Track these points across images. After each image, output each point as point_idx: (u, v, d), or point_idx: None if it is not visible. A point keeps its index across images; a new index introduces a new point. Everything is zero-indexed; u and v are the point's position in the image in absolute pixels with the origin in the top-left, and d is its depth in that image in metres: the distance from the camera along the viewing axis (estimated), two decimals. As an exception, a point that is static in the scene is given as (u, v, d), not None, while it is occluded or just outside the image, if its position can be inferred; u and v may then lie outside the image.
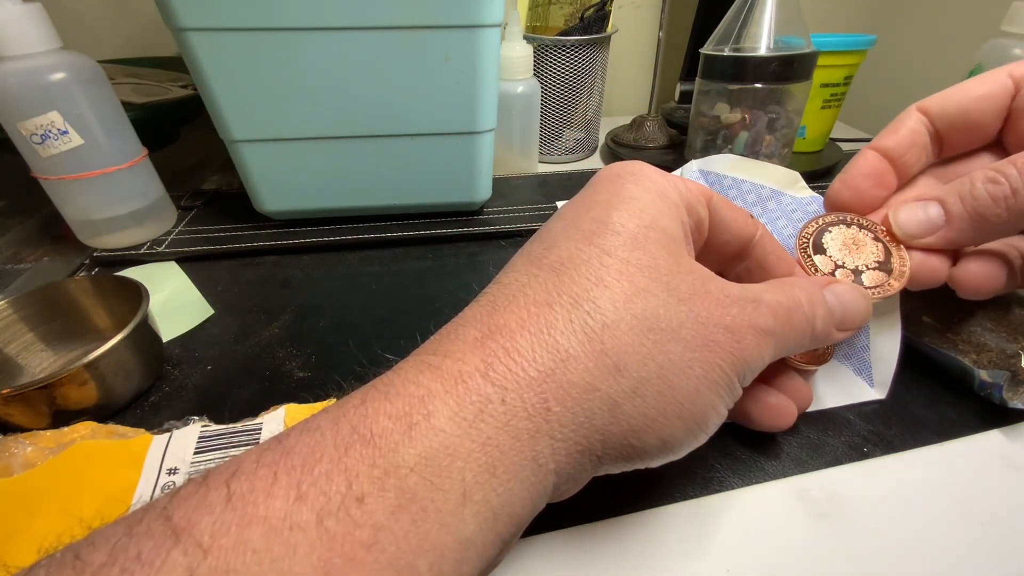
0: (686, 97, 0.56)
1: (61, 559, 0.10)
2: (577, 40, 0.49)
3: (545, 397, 0.13)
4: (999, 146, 0.22)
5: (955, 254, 0.21)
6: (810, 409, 0.22)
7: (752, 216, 0.19)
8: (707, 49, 0.41)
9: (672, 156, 0.53)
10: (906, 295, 0.25)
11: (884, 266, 0.20)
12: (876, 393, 0.23)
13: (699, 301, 0.15)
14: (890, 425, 0.22)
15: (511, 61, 0.44)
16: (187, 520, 0.10)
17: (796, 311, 0.16)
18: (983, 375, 0.22)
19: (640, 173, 0.17)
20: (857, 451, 0.21)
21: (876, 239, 0.21)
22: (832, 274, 0.20)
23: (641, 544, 0.18)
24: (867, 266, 0.20)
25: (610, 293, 0.14)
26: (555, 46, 0.49)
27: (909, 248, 0.20)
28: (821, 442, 0.21)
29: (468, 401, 0.13)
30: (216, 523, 0.10)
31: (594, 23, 0.49)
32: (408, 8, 0.31)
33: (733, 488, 0.20)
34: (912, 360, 0.24)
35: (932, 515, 0.19)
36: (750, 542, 0.18)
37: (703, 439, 0.15)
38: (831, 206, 0.23)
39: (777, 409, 0.20)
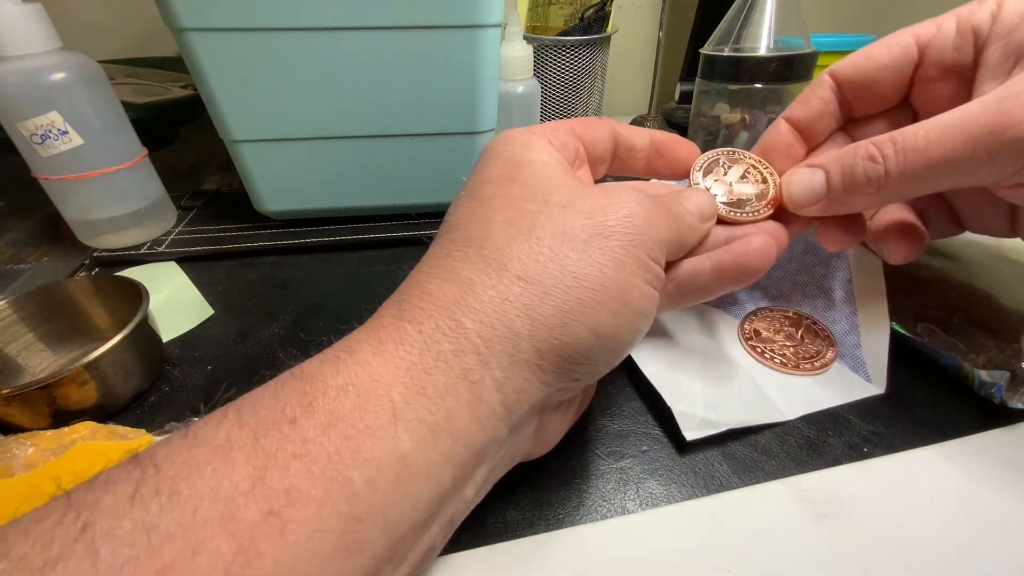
0: (686, 97, 0.56)
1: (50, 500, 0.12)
2: (577, 40, 0.49)
3: (457, 317, 0.14)
4: (909, 107, 0.22)
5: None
6: (813, 409, 0.22)
7: (599, 118, 0.21)
8: (707, 49, 0.41)
9: (672, 156, 0.53)
10: (906, 297, 0.25)
11: (761, 196, 0.21)
12: (875, 388, 0.23)
13: (581, 202, 0.16)
14: (890, 425, 0.22)
15: (511, 61, 0.44)
16: (150, 453, 0.12)
17: (670, 199, 0.18)
18: (983, 375, 0.22)
19: (506, 135, 0.19)
20: (857, 451, 0.21)
21: (762, 177, 0.22)
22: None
23: (641, 544, 0.18)
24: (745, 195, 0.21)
25: (497, 225, 0.16)
26: (555, 46, 0.49)
27: (797, 214, 0.20)
28: (821, 442, 0.21)
29: (387, 337, 0.14)
30: (171, 449, 0.12)
31: (594, 23, 0.49)
32: (408, 8, 0.31)
33: (733, 488, 0.20)
34: (912, 360, 0.24)
35: (932, 515, 0.19)
36: (750, 542, 0.18)
37: (640, 321, 0.16)
38: None
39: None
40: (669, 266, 0.18)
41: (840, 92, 0.22)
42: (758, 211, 0.20)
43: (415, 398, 0.13)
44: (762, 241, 0.19)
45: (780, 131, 0.23)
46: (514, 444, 0.16)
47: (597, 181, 0.21)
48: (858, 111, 0.23)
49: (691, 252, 0.19)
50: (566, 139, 0.19)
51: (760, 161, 0.22)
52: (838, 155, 0.19)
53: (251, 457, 0.12)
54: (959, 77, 0.20)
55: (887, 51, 0.21)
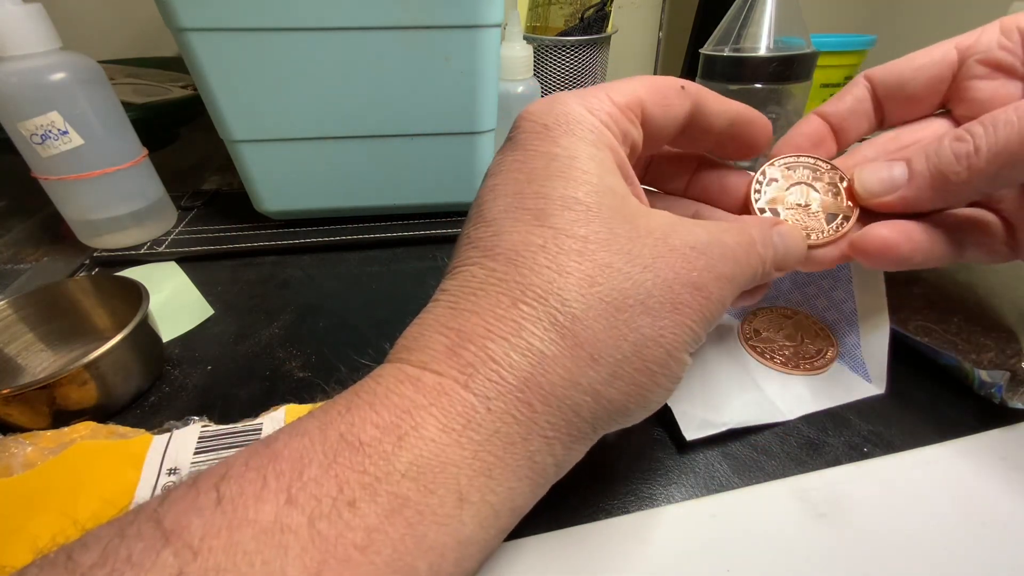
0: (686, 97, 0.56)
1: (54, 559, 0.10)
2: (577, 40, 0.49)
3: (529, 400, 0.13)
4: (950, 116, 0.21)
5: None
6: (813, 409, 0.22)
7: (683, 88, 0.18)
8: (707, 49, 0.41)
9: (672, 156, 0.53)
10: (906, 296, 0.25)
11: (830, 217, 0.20)
12: (875, 388, 0.23)
13: (663, 262, 0.14)
14: (890, 425, 0.22)
15: (511, 61, 0.44)
16: (177, 523, 0.11)
17: (752, 251, 0.16)
18: (983, 375, 0.22)
19: (569, 121, 0.16)
20: (857, 451, 0.21)
21: (831, 185, 0.20)
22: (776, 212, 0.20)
23: (641, 544, 0.18)
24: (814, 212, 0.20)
25: (574, 279, 0.14)
26: (555, 46, 0.49)
27: (867, 207, 0.19)
28: (821, 442, 0.21)
29: (454, 412, 0.13)
30: (206, 525, 0.10)
31: (594, 23, 0.49)
32: (408, 8, 0.31)
33: (733, 488, 0.20)
34: (912, 360, 0.24)
35: (932, 515, 0.19)
36: (750, 542, 0.18)
37: (676, 385, 0.16)
38: None
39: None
40: None
41: (874, 94, 0.21)
42: (837, 227, 0.19)
43: (479, 479, 0.13)
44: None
45: (811, 124, 0.22)
46: None
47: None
48: (892, 117, 0.22)
49: None
50: (626, 126, 0.17)
51: (819, 163, 0.21)
52: (920, 146, 0.18)
53: (307, 547, 0.11)
54: (1008, 74, 0.19)
55: (925, 53, 0.21)
